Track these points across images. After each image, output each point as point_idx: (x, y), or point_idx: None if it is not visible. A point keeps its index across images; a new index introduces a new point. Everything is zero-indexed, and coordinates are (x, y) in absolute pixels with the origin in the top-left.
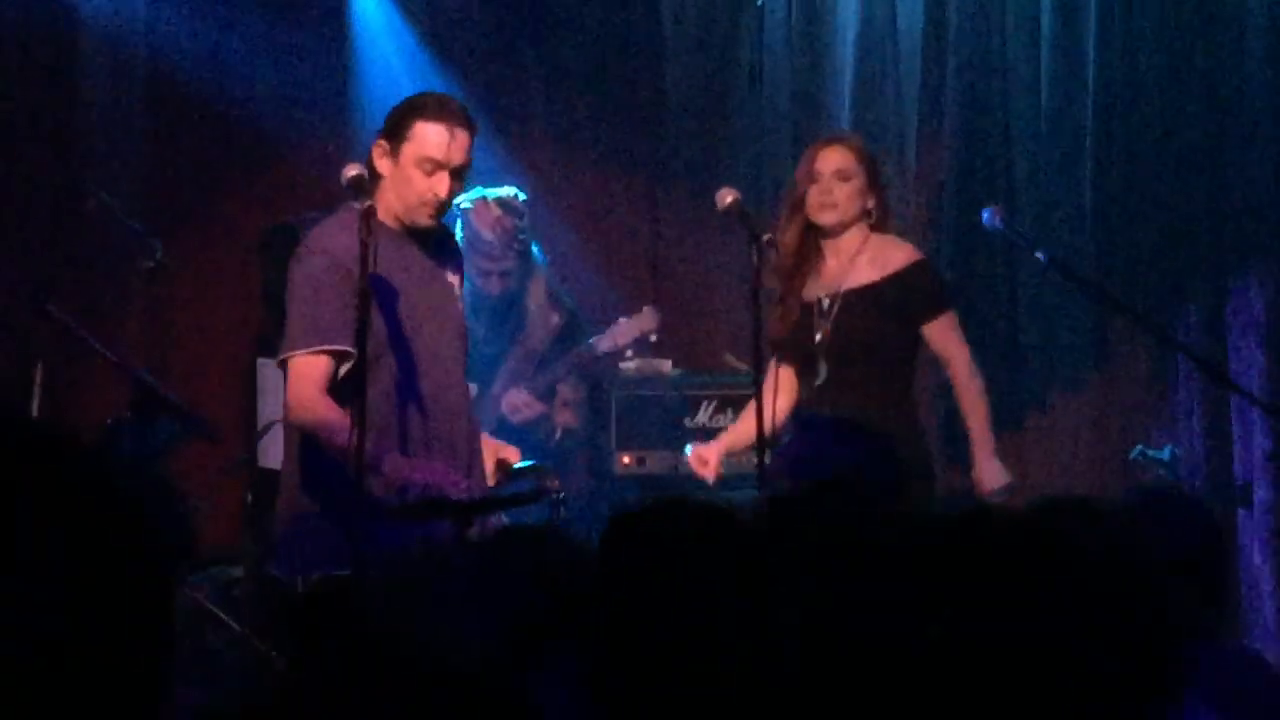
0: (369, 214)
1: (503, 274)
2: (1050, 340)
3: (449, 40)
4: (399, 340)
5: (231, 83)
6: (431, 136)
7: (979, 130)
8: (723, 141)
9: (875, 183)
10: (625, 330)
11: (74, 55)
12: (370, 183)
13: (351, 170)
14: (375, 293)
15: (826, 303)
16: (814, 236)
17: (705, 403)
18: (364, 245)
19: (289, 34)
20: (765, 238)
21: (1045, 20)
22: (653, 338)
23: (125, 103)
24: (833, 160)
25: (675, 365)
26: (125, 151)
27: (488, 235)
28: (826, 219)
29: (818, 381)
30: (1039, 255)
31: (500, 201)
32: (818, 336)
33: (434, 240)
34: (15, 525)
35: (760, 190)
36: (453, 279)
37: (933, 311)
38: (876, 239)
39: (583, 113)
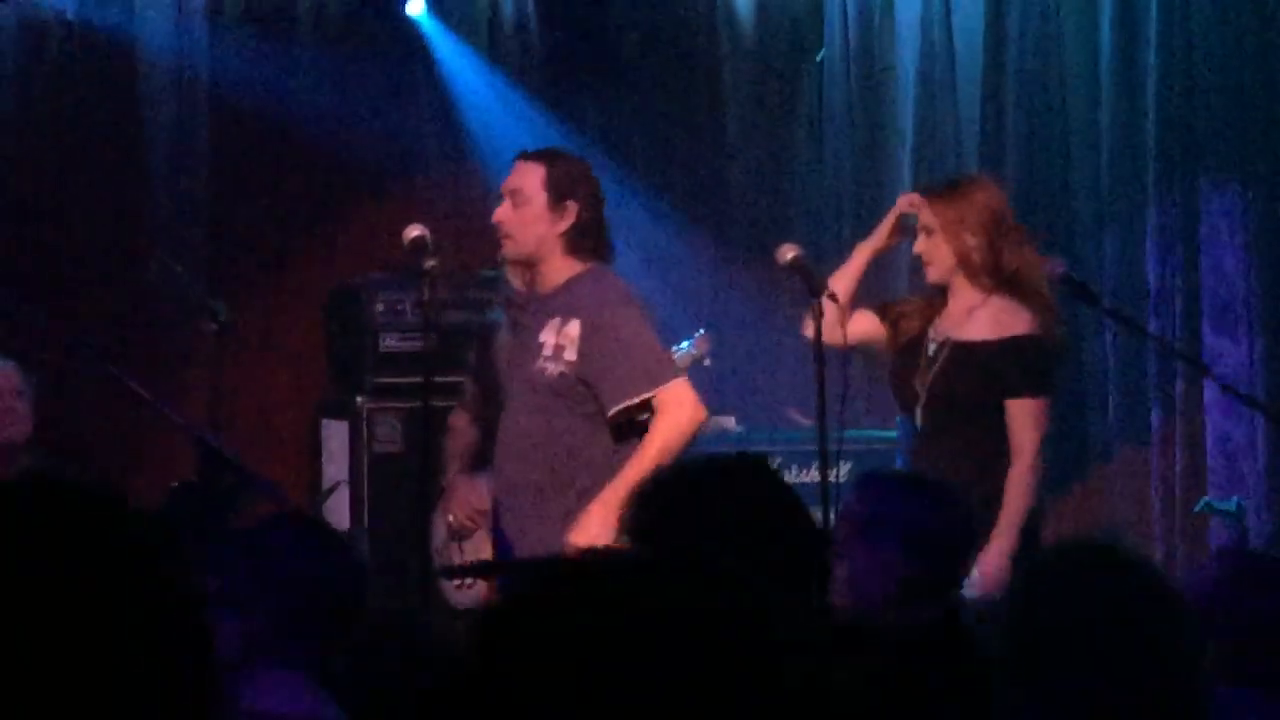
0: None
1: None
2: (1110, 386)
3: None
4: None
5: (296, 145)
6: None
7: (1040, 178)
8: (783, 195)
9: (989, 236)
10: (680, 358)
11: (137, 116)
12: None
13: (413, 231)
14: None
15: (934, 348)
16: (944, 289)
17: (770, 459)
18: (424, 306)
19: (358, 94)
20: (826, 293)
21: (1104, 65)
22: (706, 361)
23: (189, 165)
24: (924, 215)
25: (738, 421)
26: (188, 214)
27: None
28: (928, 276)
29: (917, 431)
30: (1104, 306)
31: None
32: (917, 384)
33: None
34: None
35: (821, 244)
36: (543, 336)
37: (1022, 390)
38: (1000, 299)
39: (642, 167)
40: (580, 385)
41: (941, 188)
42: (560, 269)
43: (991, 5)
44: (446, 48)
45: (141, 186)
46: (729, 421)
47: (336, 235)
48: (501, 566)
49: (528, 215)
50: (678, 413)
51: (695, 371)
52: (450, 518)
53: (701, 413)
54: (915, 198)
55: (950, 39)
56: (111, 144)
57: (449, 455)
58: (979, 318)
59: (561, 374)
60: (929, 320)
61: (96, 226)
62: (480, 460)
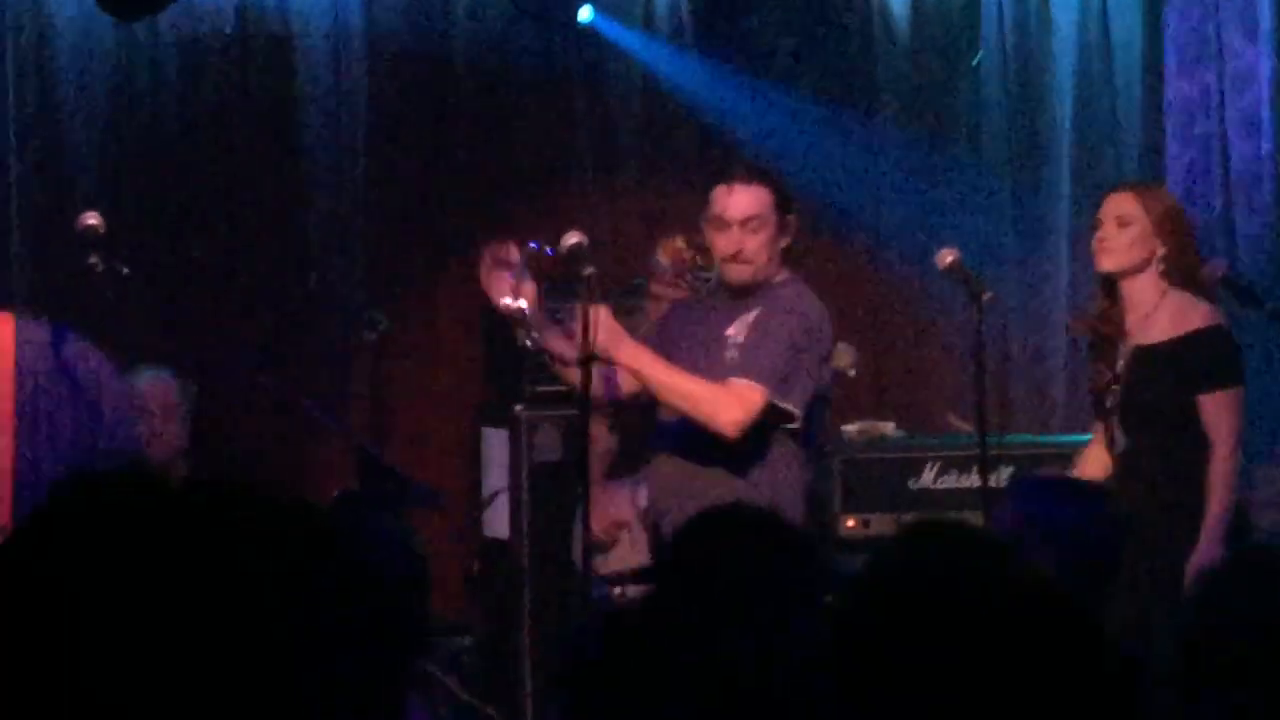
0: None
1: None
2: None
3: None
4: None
5: (453, 153)
6: (715, 197)
7: (1200, 182)
8: (941, 198)
9: (1167, 231)
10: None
11: (296, 127)
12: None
13: (571, 238)
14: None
15: (1120, 361)
16: (1116, 289)
17: (929, 465)
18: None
19: (514, 102)
20: (985, 296)
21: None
22: (851, 372)
23: (347, 175)
24: (1115, 205)
25: (898, 427)
26: (348, 224)
27: (664, 261)
28: (1103, 264)
29: (1117, 450)
30: (1268, 307)
31: (690, 239)
32: (1108, 401)
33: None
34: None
35: (980, 248)
36: (730, 330)
37: (1214, 384)
38: (1176, 294)
39: (797, 172)
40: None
41: (1147, 183)
42: (770, 277)
43: (1149, 4)
44: (633, 43)
45: (301, 197)
46: (888, 427)
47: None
48: (654, 573)
49: (765, 238)
50: (731, 408)
51: (841, 381)
52: (595, 531)
53: (737, 427)
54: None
55: (1107, 39)
56: (270, 155)
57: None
58: (1158, 319)
59: (732, 359)
60: (1118, 328)
61: (257, 238)
62: (619, 469)
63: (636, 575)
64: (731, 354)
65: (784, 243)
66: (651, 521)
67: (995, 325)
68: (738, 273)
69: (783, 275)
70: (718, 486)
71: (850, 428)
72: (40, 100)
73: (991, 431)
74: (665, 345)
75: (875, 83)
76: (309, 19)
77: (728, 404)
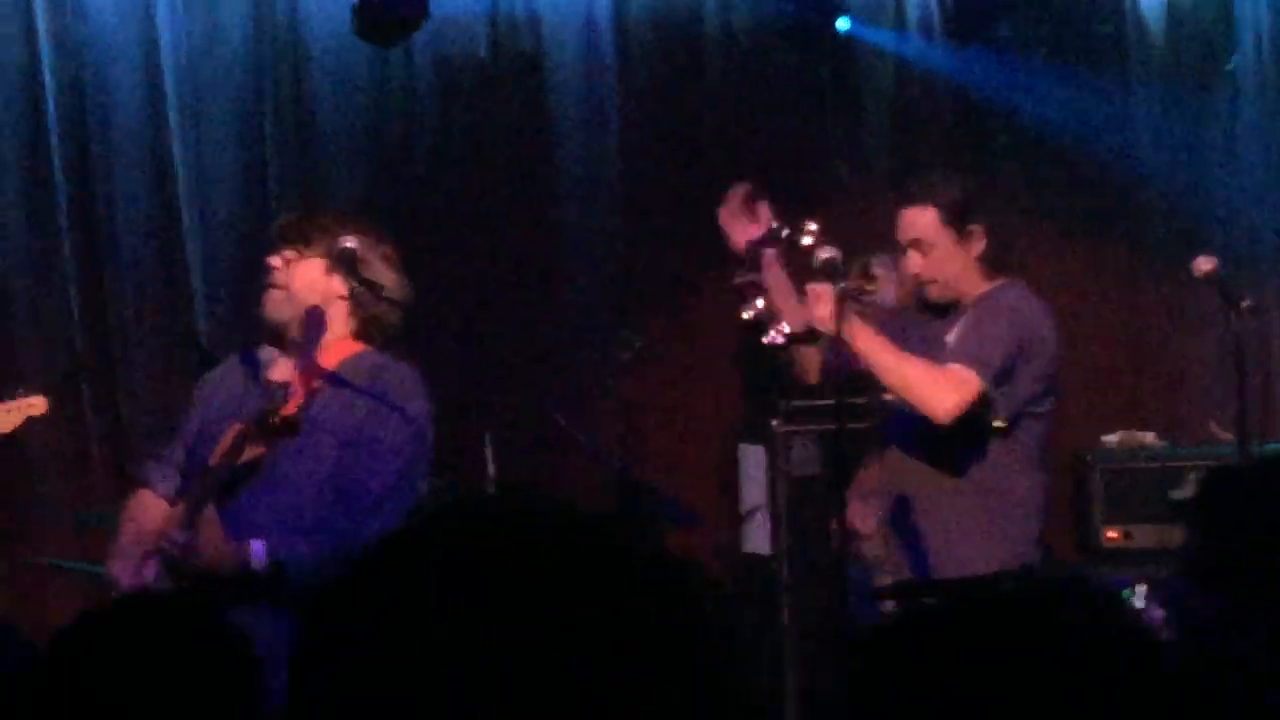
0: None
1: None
2: None
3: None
4: None
5: (705, 168)
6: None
7: None
8: (1197, 206)
9: None
10: None
11: (549, 145)
12: None
13: (825, 253)
14: None
15: None
16: None
17: (1192, 474)
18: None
19: (765, 114)
20: (1245, 304)
21: None
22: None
23: (600, 192)
24: None
25: (1159, 437)
26: (601, 242)
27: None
28: None
29: None
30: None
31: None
32: None
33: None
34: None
35: (1237, 255)
36: (950, 335)
37: None
38: None
39: (1054, 185)
40: None
41: None
42: (980, 287)
43: None
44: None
45: (554, 215)
46: (1149, 437)
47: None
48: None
49: (938, 258)
50: (946, 391)
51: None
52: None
53: (953, 412)
54: None
55: None
56: (524, 173)
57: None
58: None
59: (952, 351)
60: None
61: (511, 256)
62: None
63: (899, 590)
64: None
65: (974, 252)
66: (883, 516)
67: (1258, 330)
68: (929, 292)
69: (997, 282)
70: (929, 484)
71: (1111, 438)
72: (297, 122)
73: (1254, 440)
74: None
75: (1130, 89)
76: (560, 37)
77: (944, 387)
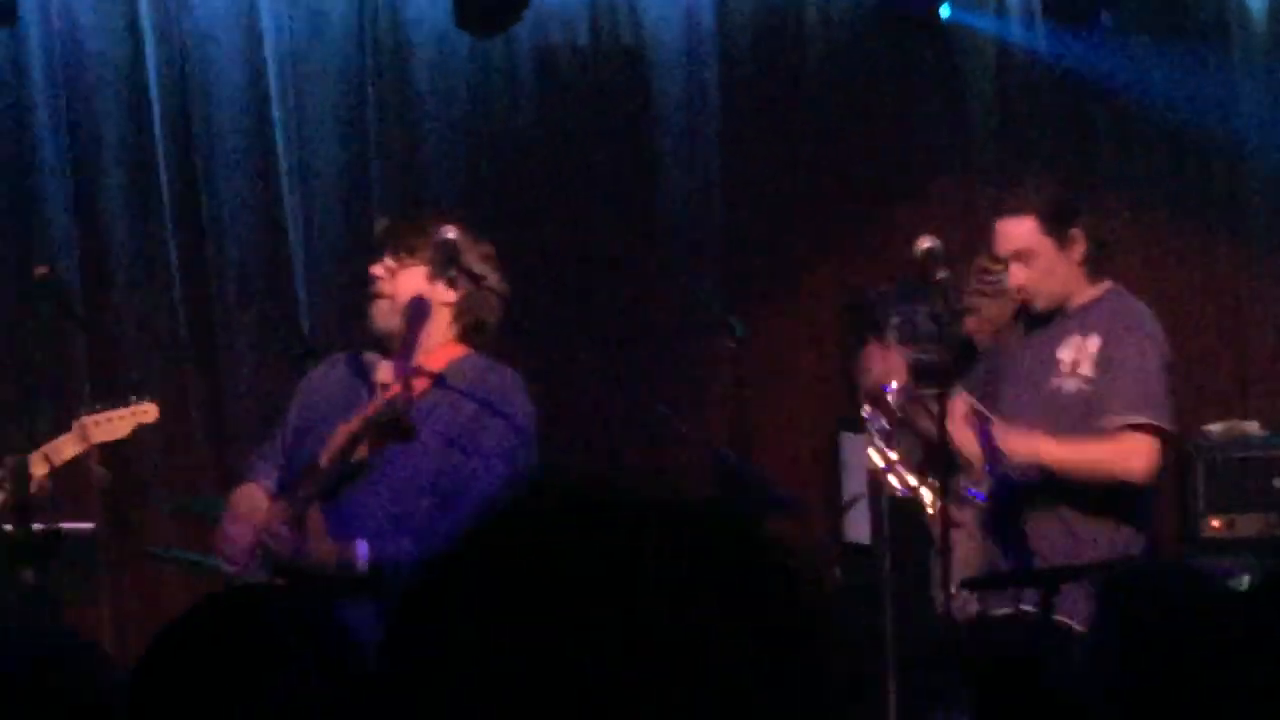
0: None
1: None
2: None
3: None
4: None
5: (806, 158)
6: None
7: None
8: None
9: None
10: None
11: (650, 134)
12: None
13: (925, 242)
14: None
15: None
16: None
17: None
18: (938, 318)
19: (866, 105)
20: None
21: None
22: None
23: (702, 182)
24: None
25: (1263, 426)
26: (704, 232)
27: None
28: None
29: None
30: None
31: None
32: None
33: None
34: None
35: None
36: (1062, 353)
37: None
38: None
39: (1157, 169)
40: (1093, 401)
41: None
42: (1085, 293)
43: None
44: (994, 30)
45: (656, 205)
46: (1252, 426)
47: (846, 247)
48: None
49: (1041, 268)
50: (1131, 459)
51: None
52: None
53: (1145, 477)
54: None
55: None
56: (625, 162)
57: None
58: None
59: (1079, 390)
60: None
61: (613, 244)
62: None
63: (992, 581)
64: (1066, 383)
65: (1076, 256)
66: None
67: None
68: (1037, 304)
69: (1101, 286)
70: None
71: (1214, 427)
72: (399, 111)
73: None
74: (994, 381)
75: (1233, 69)
76: (661, 27)
77: (1130, 455)
